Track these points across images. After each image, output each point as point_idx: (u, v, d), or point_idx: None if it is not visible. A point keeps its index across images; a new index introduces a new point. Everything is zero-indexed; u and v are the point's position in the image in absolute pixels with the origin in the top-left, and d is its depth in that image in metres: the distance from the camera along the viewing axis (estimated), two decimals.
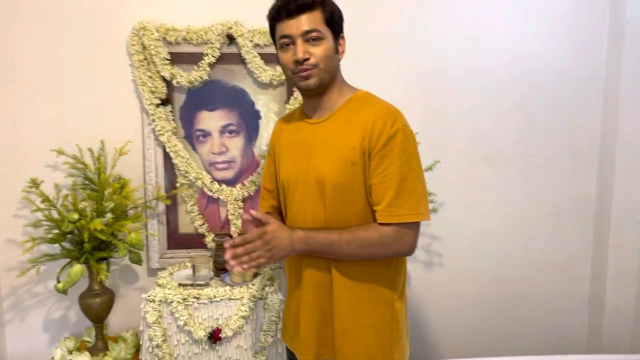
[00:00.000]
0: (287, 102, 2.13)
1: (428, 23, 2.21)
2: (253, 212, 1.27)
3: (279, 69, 2.06)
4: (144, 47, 2.05)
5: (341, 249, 1.30)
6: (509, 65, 2.25)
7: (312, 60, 1.31)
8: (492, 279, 2.38)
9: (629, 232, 2.25)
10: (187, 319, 1.81)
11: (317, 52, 1.31)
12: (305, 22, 1.30)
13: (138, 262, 2.03)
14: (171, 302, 1.81)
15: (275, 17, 1.34)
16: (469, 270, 2.36)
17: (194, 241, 2.19)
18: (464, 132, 2.27)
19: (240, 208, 2.17)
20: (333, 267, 1.36)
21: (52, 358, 1.97)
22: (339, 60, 1.39)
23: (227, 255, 1.24)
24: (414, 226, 1.31)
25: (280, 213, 1.57)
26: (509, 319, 2.40)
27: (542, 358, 1.92)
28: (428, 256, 2.35)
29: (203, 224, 2.18)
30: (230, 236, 2.16)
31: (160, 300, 1.82)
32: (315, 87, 1.34)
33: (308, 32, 1.30)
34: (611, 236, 2.27)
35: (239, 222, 2.17)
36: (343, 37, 1.40)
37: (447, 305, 2.38)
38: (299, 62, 1.31)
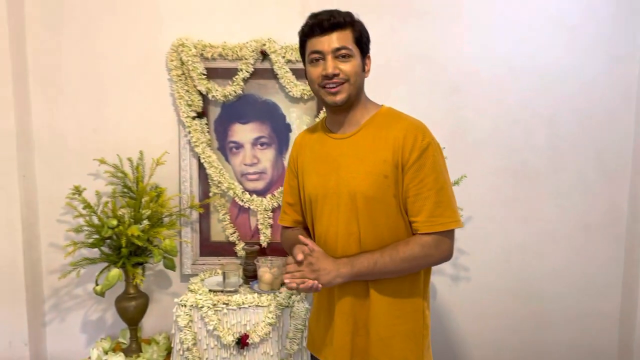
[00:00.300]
0: (316, 115, 2.20)
1: (457, 41, 2.24)
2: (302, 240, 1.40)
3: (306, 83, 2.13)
4: (182, 63, 2.16)
5: (385, 267, 1.35)
6: (538, 81, 2.26)
7: (341, 76, 1.37)
8: (520, 294, 2.37)
9: None
10: (216, 324, 1.88)
11: (346, 68, 1.37)
12: (336, 39, 1.36)
13: (172, 267, 2.11)
14: (202, 307, 1.88)
15: (308, 33, 1.40)
16: (496, 285, 2.36)
17: (225, 249, 2.27)
18: (493, 147, 2.29)
19: (269, 218, 2.23)
20: (372, 283, 1.40)
21: (89, 358, 2.07)
22: (364, 79, 1.44)
23: (287, 277, 1.36)
24: (451, 233, 1.38)
25: (305, 228, 1.62)
26: (537, 336, 2.38)
27: None
28: (455, 270, 2.36)
29: (234, 233, 2.25)
30: (260, 245, 2.22)
31: (192, 305, 1.89)
32: (343, 103, 1.39)
33: (338, 49, 1.36)
34: None
35: (268, 232, 2.23)
36: (369, 57, 1.45)
37: (474, 320, 2.38)
38: (327, 77, 1.37)
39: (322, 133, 1.52)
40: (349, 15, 1.39)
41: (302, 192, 1.56)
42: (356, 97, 1.42)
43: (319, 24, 1.37)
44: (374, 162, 1.37)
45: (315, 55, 1.39)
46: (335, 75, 1.36)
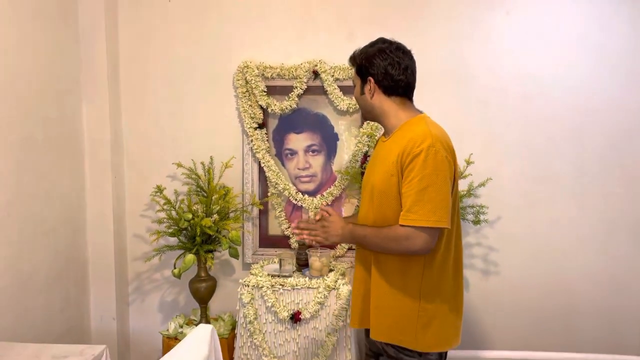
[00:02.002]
0: (361, 126, 2.52)
1: (488, 57, 2.51)
2: (323, 207, 1.73)
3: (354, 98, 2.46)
4: (247, 82, 2.54)
5: (371, 241, 1.65)
6: (565, 97, 2.49)
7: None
8: (546, 290, 2.58)
9: None
10: (274, 301, 2.22)
11: (354, 96, 1.79)
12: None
13: (235, 256, 2.48)
14: (262, 287, 2.23)
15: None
16: (523, 281, 2.59)
17: (281, 242, 2.62)
18: (520, 154, 2.53)
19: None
20: (373, 259, 1.69)
21: (167, 330, 2.45)
22: (373, 98, 1.70)
23: (293, 225, 1.70)
24: (428, 230, 1.53)
25: None
26: (562, 330, 2.59)
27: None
28: (485, 265, 2.61)
29: (288, 228, 2.60)
30: None
31: (254, 285, 2.25)
32: (367, 119, 1.82)
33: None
34: None
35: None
36: (370, 78, 1.69)
37: (502, 312, 2.61)
38: None
39: (379, 138, 1.87)
40: (364, 47, 1.72)
41: None
42: (371, 114, 1.76)
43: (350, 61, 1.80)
44: (388, 163, 1.64)
45: None
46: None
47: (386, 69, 1.67)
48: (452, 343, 1.72)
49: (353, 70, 1.77)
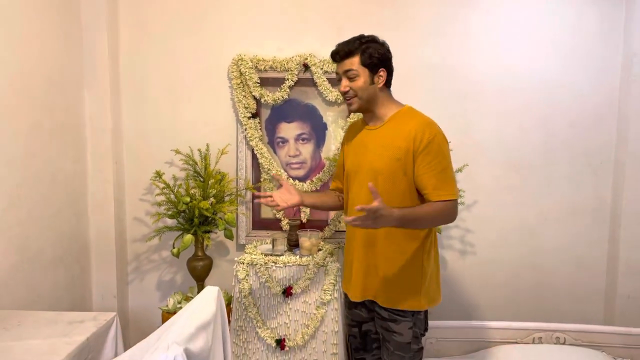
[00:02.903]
0: (348, 116, 2.70)
1: (466, 54, 2.71)
2: (371, 185, 1.68)
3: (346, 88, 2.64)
4: (241, 74, 2.70)
5: (420, 222, 1.80)
6: (533, 89, 2.70)
7: (350, 92, 1.90)
8: (517, 268, 2.81)
9: (637, 230, 2.64)
10: (267, 277, 2.40)
11: (354, 85, 1.89)
12: (346, 64, 1.89)
13: (230, 237, 2.66)
14: (256, 264, 2.41)
15: (333, 60, 1.97)
16: (497, 260, 2.81)
17: (273, 224, 2.80)
18: (494, 143, 2.74)
19: None
20: (382, 237, 1.88)
21: (167, 305, 2.62)
22: (379, 88, 1.90)
23: (348, 219, 1.67)
24: (454, 202, 1.83)
25: (341, 192, 2.17)
26: (532, 305, 2.81)
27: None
28: (462, 246, 2.82)
29: (280, 211, 2.78)
30: (301, 220, 2.74)
31: (248, 263, 2.42)
32: (355, 111, 1.96)
33: (347, 71, 1.89)
34: (622, 233, 2.65)
35: (307, 210, 2.74)
36: (383, 70, 1.89)
37: (478, 289, 2.83)
38: (342, 93, 1.93)
39: (361, 125, 2.04)
40: (358, 42, 1.86)
41: (345, 168, 2.07)
42: (371, 103, 1.92)
43: (334, 55, 1.92)
44: (391, 148, 1.85)
45: (337, 76, 1.96)
46: (346, 92, 1.91)
47: (391, 64, 1.93)
48: (438, 300, 1.99)
49: (355, 60, 1.87)
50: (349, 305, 2.10)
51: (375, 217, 1.64)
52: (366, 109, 1.94)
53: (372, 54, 1.87)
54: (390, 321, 1.91)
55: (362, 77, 1.88)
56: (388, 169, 1.85)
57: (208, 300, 1.48)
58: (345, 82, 1.90)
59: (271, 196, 2.05)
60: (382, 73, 1.90)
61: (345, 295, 2.12)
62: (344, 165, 2.09)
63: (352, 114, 2.68)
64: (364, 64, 1.87)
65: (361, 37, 1.90)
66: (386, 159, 1.86)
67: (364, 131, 1.99)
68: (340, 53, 1.89)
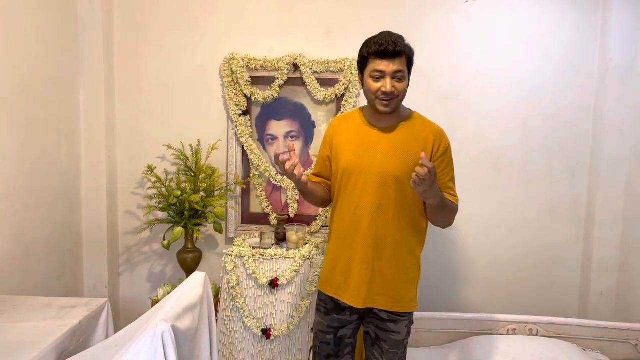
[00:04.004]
0: (335, 114, 2.80)
1: (450, 58, 2.81)
2: (423, 155, 1.62)
3: (331, 90, 2.73)
4: (232, 72, 2.79)
5: (445, 209, 1.81)
6: (513, 93, 2.81)
7: (395, 93, 1.77)
8: (496, 263, 2.92)
9: (610, 230, 2.75)
10: (254, 269, 2.48)
11: (400, 87, 1.77)
12: (396, 64, 1.74)
13: (219, 231, 2.74)
14: (244, 256, 2.49)
15: (376, 53, 1.74)
16: (477, 257, 2.92)
17: (261, 218, 2.89)
18: (475, 144, 2.85)
19: (297, 195, 2.84)
20: (390, 239, 1.85)
21: (157, 295, 2.70)
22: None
23: (421, 170, 1.59)
24: (457, 208, 1.90)
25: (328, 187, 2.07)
26: (509, 299, 2.92)
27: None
28: (443, 243, 2.92)
29: (268, 206, 2.87)
30: (289, 215, 2.83)
31: (237, 255, 2.51)
32: (389, 112, 1.81)
33: (397, 72, 1.75)
34: (596, 233, 2.76)
35: (295, 205, 2.84)
36: (410, 71, 1.84)
37: (457, 283, 2.94)
38: (386, 94, 1.75)
39: (361, 123, 1.91)
40: (404, 42, 1.77)
41: (336, 165, 1.95)
42: (399, 103, 1.84)
43: (386, 50, 1.72)
44: (407, 153, 1.82)
45: (377, 74, 1.76)
46: (390, 92, 1.75)
47: None
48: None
49: (403, 60, 1.76)
50: (330, 311, 1.97)
51: (433, 181, 1.62)
52: (393, 110, 1.83)
53: (412, 56, 1.82)
54: (389, 322, 1.90)
55: (406, 79, 1.81)
56: (402, 172, 1.81)
57: (195, 284, 1.56)
58: (392, 82, 1.75)
59: (291, 156, 1.84)
60: (410, 72, 1.85)
61: (325, 301, 1.99)
62: (338, 163, 1.93)
63: (339, 113, 2.77)
64: (408, 65, 1.80)
65: (400, 36, 1.79)
66: (402, 163, 1.82)
67: (371, 131, 1.88)
68: (393, 51, 1.73)
